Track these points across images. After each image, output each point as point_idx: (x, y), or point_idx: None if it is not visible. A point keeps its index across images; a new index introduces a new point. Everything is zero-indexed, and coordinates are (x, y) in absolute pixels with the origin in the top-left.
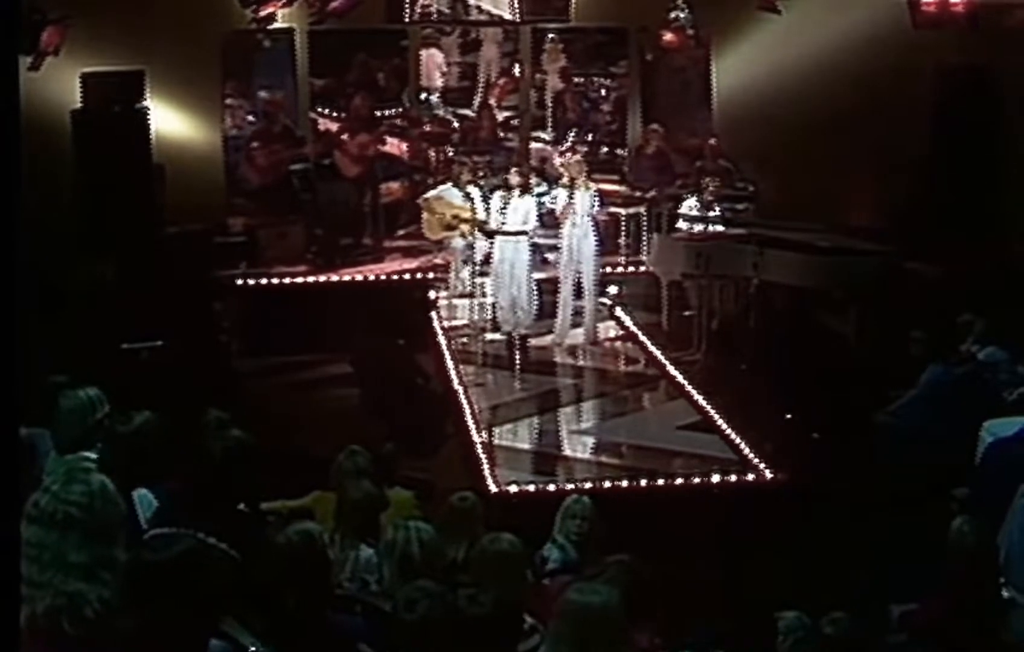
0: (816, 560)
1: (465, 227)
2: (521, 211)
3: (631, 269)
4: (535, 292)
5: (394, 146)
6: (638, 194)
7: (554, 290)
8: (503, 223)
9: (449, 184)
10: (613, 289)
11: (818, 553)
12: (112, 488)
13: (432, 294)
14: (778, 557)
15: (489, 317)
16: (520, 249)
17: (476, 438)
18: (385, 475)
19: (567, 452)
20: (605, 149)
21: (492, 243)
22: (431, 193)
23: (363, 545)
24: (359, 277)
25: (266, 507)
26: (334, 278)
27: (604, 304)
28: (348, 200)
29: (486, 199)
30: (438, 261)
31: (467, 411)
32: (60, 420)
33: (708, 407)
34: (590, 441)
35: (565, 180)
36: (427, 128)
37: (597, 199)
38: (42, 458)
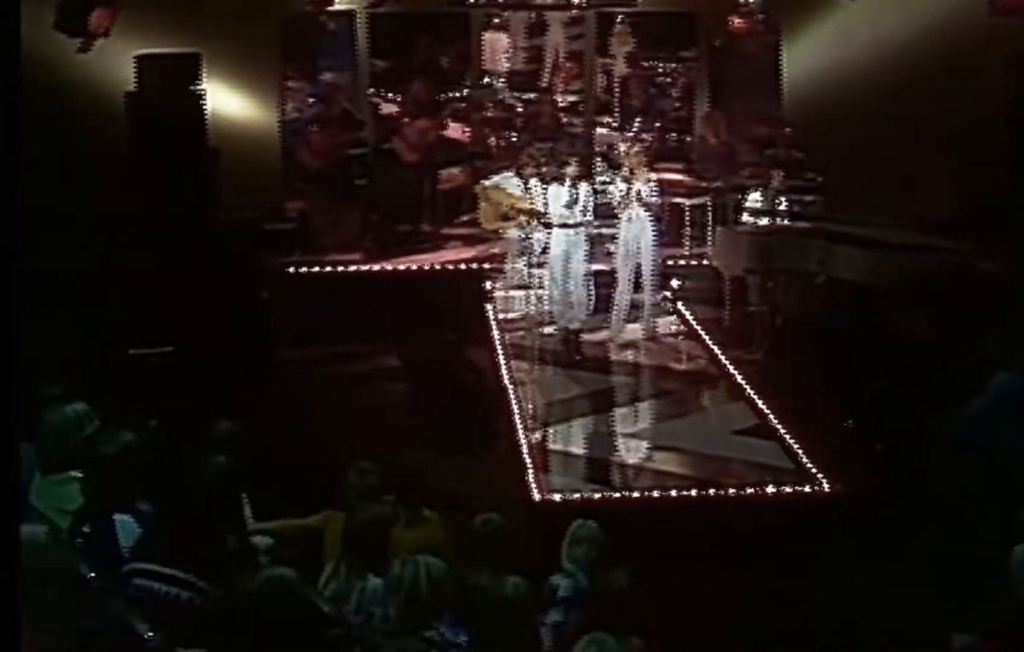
0: (872, 580)
1: (522, 217)
2: (579, 202)
3: (694, 263)
4: (591, 286)
5: (456, 131)
6: (703, 184)
7: (611, 283)
8: (561, 214)
9: (508, 172)
10: (675, 283)
11: (875, 572)
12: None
13: (488, 285)
14: (832, 574)
15: (545, 311)
16: (577, 241)
17: (523, 440)
18: (411, 494)
19: (618, 457)
20: (672, 136)
21: (549, 234)
22: (488, 181)
23: (371, 574)
24: (414, 266)
25: (273, 526)
26: (389, 267)
27: (664, 299)
28: (406, 186)
29: (546, 189)
30: (496, 251)
31: (515, 411)
32: (45, 436)
33: (767, 411)
34: (642, 445)
35: (624, 170)
36: (489, 113)
37: (656, 189)
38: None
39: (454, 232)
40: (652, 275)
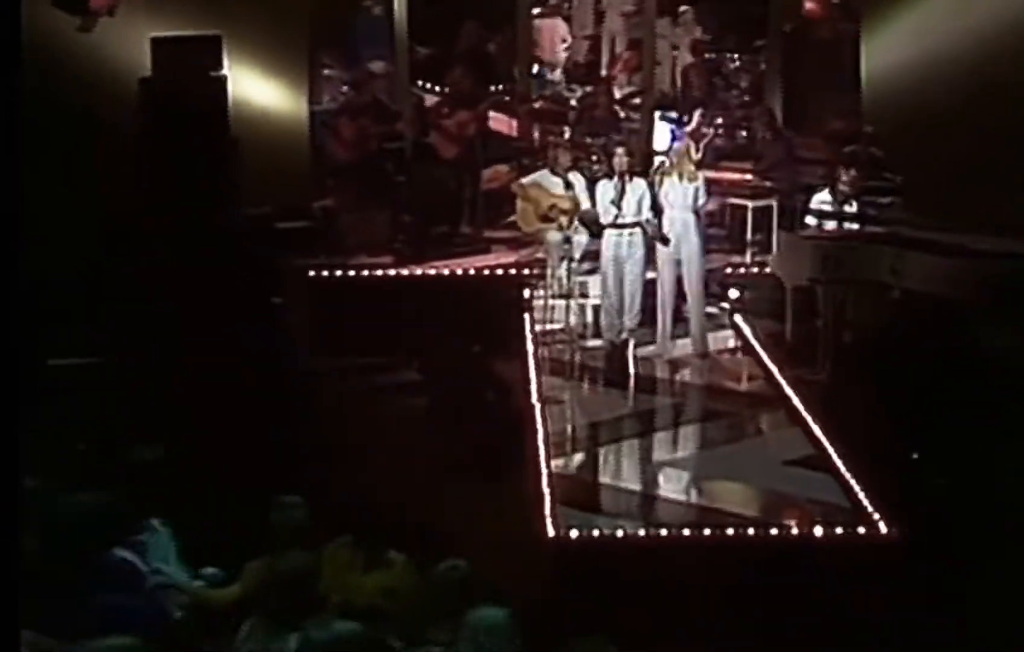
0: (932, 633)
1: (563, 218)
2: (633, 199)
3: (755, 271)
4: (644, 295)
5: (502, 124)
6: (768, 184)
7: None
8: (615, 214)
9: (546, 169)
10: (734, 293)
11: (935, 625)
12: None
13: (527, 293)
14: (888, 624)
15: (590, 321)
16: (633, 244)
17: (544, 467)
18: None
19: (651, 487)
20: (738, 131)
21: (600, 236)
22: (527, 179)
23: (294, 634)
24: (448, 271)
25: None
26: (419, 272)
27: (721, 310)
28: (445, 184)
29: (591, 186)
30: (540, 255)
31: (540, 434)
32: None
33: (824, 439)
34: (681, 476)
35: (667, 167)
36: (536, 105)
37: (702, 190)
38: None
39: (496, 235)
40: (698, 284)
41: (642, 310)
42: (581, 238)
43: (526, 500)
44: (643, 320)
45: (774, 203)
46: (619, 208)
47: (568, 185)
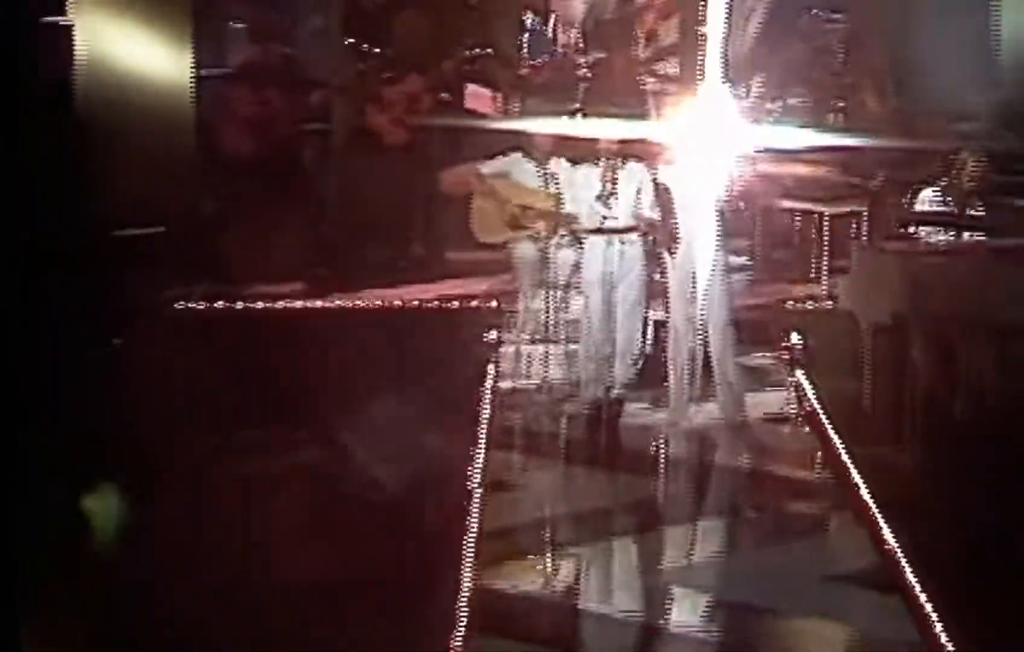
0: None
1: (541, 225)
2: (628, 192)
3: (824, 304)
4: (645, 334)
5: (481, 102)
6: (855, 182)
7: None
8: (593, 211)
9: (518, 153)
10: (796, 338)
11: None
12: None
13: (492, 336)
14: None
15: (574, 376)
16: (628, 259)
17: (467, 583)
18: None
19: (638, 612)
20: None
21: (579, 248)
22: (489, 165)
23: None
24: (383, 307)
25: None
26: (344, 306)
27: (775, 361)
28: (387, 184)
29: (602, 179)
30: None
31: (473, 537)
32: None
33: (896, 548)
34: (680, 597)
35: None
36: (523, 72)
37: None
38: None
39: (462, 258)
40: (724, 316)
41: (643, 355)
42: (567, 253)
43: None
44: (644, 370)
45: (864, 210)
46: (607, 205)
47: (547, 177)
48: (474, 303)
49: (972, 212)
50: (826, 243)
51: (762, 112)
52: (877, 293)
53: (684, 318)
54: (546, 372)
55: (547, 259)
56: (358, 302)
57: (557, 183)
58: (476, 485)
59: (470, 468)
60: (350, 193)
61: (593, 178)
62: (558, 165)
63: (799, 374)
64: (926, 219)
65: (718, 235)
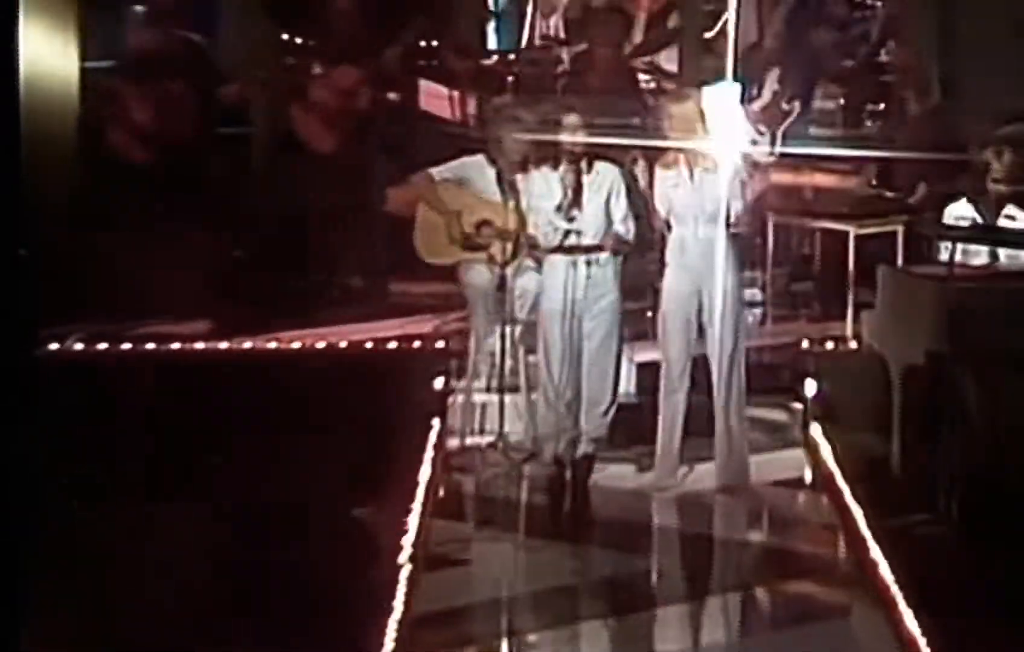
0: None
1: (499, 246)
2: (595, 202)
3: (842, 343)
4: (618, 376)
5: (436, 100)
6: (890, 195)
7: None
8: (552, 226)
9: (479, 157)
10: (812, 386)
11: None
12: None
13: (440, 384)
14: None
15: (536, 430)
16: (596, 284)
17: None
18: None
19: None
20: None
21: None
22: (439, 169)
23: None
24: (306, 350)
25: None
26: (258, 349)
27: (786, 413)
28: (316, 200)
29: (563, 185)
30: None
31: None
32: None
33: (922, 643)
34: None
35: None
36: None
37: (739, 187)
38: None
39: (410, 290)
40: (729, 358)
41: (615, 402)
42: (528, 281)
43: None
44: (621, 421)
45: (899, 229)
46: (569, 218)
47: (506, 187)
48: (417, 344)
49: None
50: (852, 270)
51: (779, 112)
52: (909, 328)
53: (681, 358)
54: (503, 426)
55: (505, 287)
56: (275, 344)
57: (519, 196)
58: (405, 561)
59: (403, 541)
60: (270, 211)
61: (552, 184)
62: (531, 175)
63: (815, 429)
64: (955, 233)
65: (724, 259)
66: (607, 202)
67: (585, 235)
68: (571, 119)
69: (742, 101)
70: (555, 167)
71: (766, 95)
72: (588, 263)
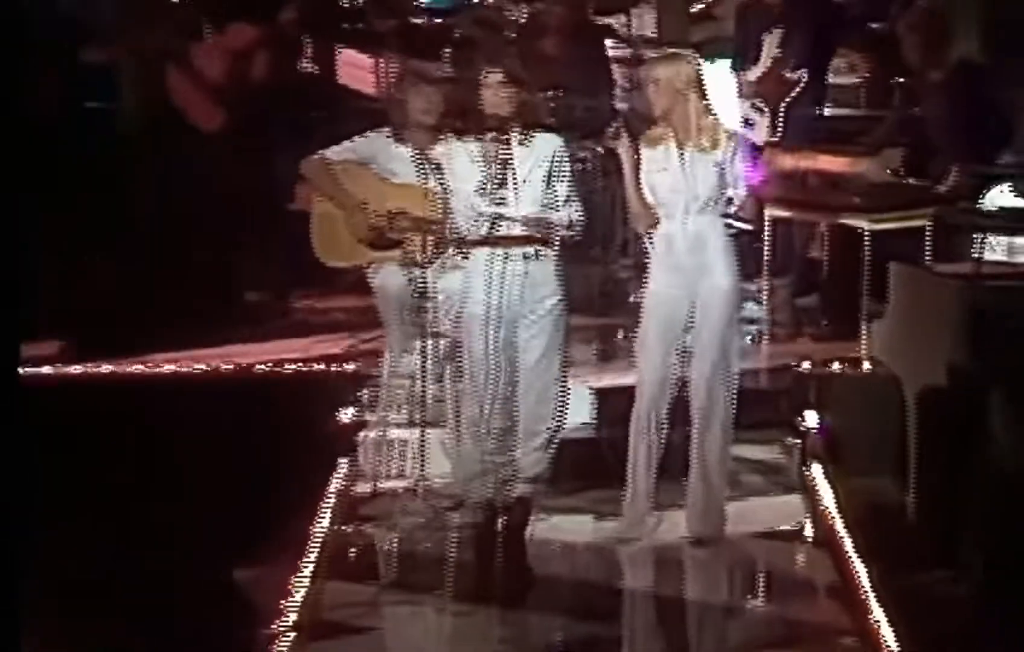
0: None
1: (416, 243)
2: (532, 180)
3: (868, 366)
4: (564, 399)
5: (353, 71)
6: (914, 183)
7: (627, 407)
8: (489, 214)
9: (383, 131)
10: (811, 418)
11: None
12: None
13: (348, 416)
14: None
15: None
16: (532, 283)
17: None
18: None
19: None
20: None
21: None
22: (337, 149)
23: None
24: (183, 375)
25: None
26: (128, 371)
27: (783, 448)
28: (199, 192)
29: (487, 160)
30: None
31: None
32: None
33: None
34: None
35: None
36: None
37: (740, 166)
38: None
39: (323, 304)
40: (721, 389)
41: (557, 435)
42: (455, 284)
43: None
44: (569, 460)
45: (926, 224)
46: (496, 200)
47: (427, 165)
48: (320, 368)
49: None
50: (866, 274)
51: (781, 84)
52: (928, 340)
53: (660, 379)
54: (423, 467)
55: (426, 293)
56: (141, 368)
57: (442, 176)
58: (286, 629)
59: (286, 604)
60: (142, 205)
61: (474, 159)
62: (453, 149)
63: (814, 469)
64: (988, 221)
65: (719, 258)
66: (547, 181)
67: (518, 222)
68: (495, 77)
69: (734, 69)
70: (478, 138)
71: (764, 61)
72: (524, 257)
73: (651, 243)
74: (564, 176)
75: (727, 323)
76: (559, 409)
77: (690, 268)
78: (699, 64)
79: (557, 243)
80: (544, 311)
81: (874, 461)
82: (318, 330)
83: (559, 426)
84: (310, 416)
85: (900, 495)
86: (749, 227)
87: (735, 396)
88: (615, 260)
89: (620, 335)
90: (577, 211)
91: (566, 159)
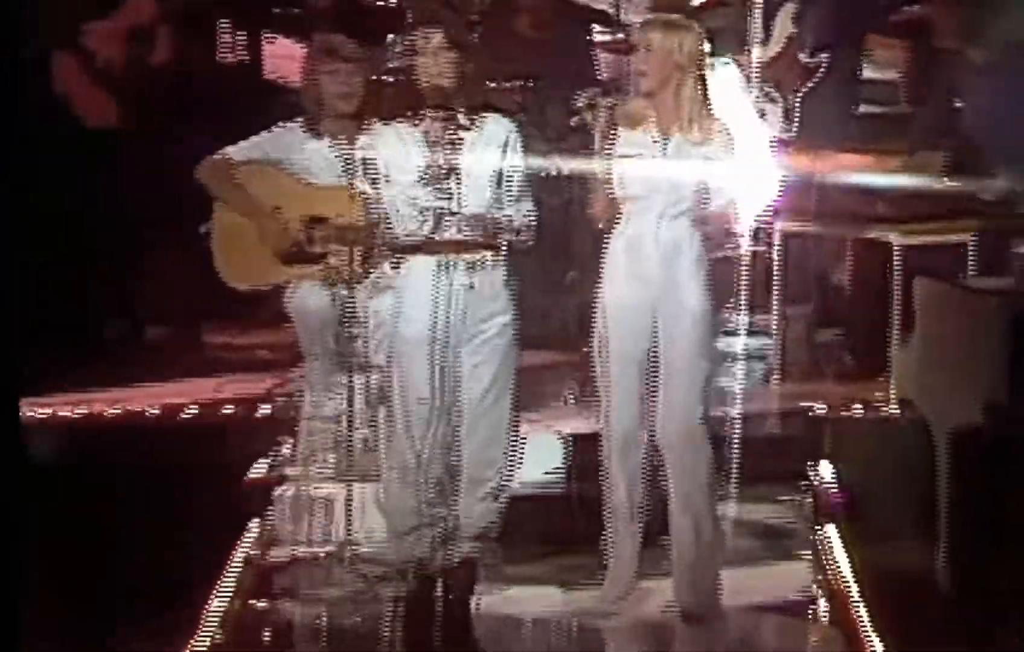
0: None
1: (340, 257)
2: (479, 176)
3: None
4: (515, 439)
5: (287, 62)
6: (954, 191)
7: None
8: (432, 216)
9: (295, 123)
10: (825, 470)
11: None
12: None
13: (262, 469)
14: None
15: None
16: (478, 297)
17: None
18: None
19: None
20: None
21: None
22: (239, 148)
23: None
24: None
25: None
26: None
27: (790, 505)
28: (86, 201)
29: (429, 144)
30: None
31: None
32: None
33: None
34: None
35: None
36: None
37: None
38: None
39: (232, 342)
40: (703, 439)
41: (508, 483)
42: (382, 303)
43: None
44: (532, 518)
45: (970, 238)
46: (442, 193)
47: (352, 161)
48: (230, 412)
49: None
50: (895, 298)
51: (796, 69)
52: (962, 371)
53: (629, 413)
54: (350, 528)
55: (352, 318)
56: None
57: (370, 172)
58: None
59: None
60: (14, 213)
61: (410, 145)
62: (375, 137)
63: (827, 531)
64: None
65: (691, 272)
66: (496, 173)
67: (465, 222)
68: (434, 40)
69: (739, 48)
70: (415, 120)
71: (776, 40)
72: (469, 267)
73: (607, 243)
74: (517, 168)
75: (697, 352)
76: (510, 451)
77: (657, 282)
78: (705, 41)
79: (505, 250)
80: (492, 332)
81: (898, 521)
82: (229, 368)
83: (510, 472)
84: (216, 468)
85: (926, 559)
86: (714, 247)
87: (712, 441)
88: (594, 285)
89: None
90: (529, 212)
91: (519, 148)
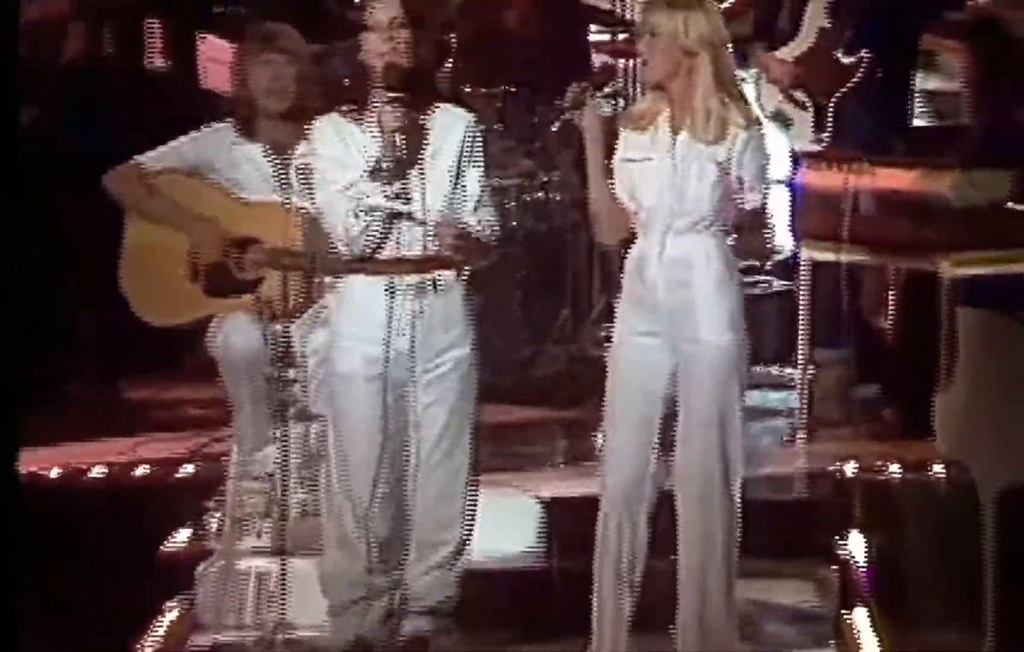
0: None
1: (273, 286)
2: (436, 178)
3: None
4: (474, 494)
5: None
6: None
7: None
8: (389, 217)
9: (223, 125)
10: (856, 544)
11: None
12: None
13: (184, 540)
14: None
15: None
16: (433, 322)
17: None
18: None
19: None
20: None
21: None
22: (154, 155)
23: None
24: None
25: None
26: None
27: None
28: None
29: (382, 134)
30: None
31: None
32: None
33: None
34: None
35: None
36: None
37: (752, 164)
38: None
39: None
40: (716, 499)
41: (466, 546)
42: (318, 339)
43: None
44: (503, 593)
45: None
46: (397, 192)
47: (287, 169)
48: (145, 473)
49: None
50: (943, 339)
51: (830, 68)
52: (1013, 420)
53: (630, 472)
54: (284, 608)
55: (288, 358)
56: None
57: (313, 185)
58: None
59: None
60: None
61: (357, 138)
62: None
63: (856, 615)
64: None
65: (697, 300)
66: (454, 173)
67: (419, 231)
68: (386, 13)
69: (758, 38)
70: (361, 111)
71: (806, 34)
72: (420, 289)
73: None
74: (477, 168)
75: (721, 399)
76: (468, 511)
77: (667, 311)
78: (719, 18)
79: (464, 269)
80: (447, 367)
81: (938, 602)
82: (149, 426)
83: (468, 535)
84: (129, 539)
85: (971, 647)
86: (759, 265)
87: (738, 509)
88: (587, 329)
89: (598, 438)
90: (490, 218)
91: (479, 145)
